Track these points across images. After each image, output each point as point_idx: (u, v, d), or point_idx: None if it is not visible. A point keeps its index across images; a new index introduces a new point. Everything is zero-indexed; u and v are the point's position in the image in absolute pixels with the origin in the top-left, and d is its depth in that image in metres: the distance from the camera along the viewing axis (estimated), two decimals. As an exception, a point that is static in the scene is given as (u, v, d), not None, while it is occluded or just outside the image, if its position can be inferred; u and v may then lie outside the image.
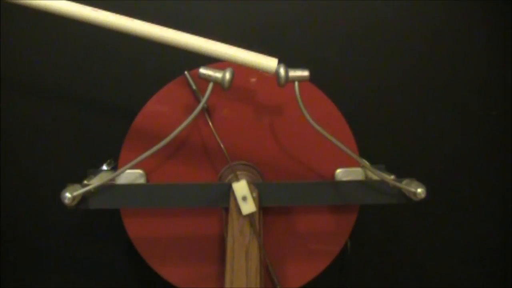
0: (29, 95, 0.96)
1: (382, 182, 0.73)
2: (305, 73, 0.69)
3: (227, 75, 0.69)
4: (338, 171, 0.80)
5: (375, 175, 0.72)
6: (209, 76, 0.69)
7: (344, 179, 0.79)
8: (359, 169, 0.80)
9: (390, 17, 0.98)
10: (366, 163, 0.75)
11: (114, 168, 0.85)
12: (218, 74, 0.69)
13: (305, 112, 0.68)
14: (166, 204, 0.73)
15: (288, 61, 0.70)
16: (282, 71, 0.68)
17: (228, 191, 0.70)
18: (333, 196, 0.74)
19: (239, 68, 0.73)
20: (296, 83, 0.69)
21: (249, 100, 0.79)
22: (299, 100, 0.69)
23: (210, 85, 0.69)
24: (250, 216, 0.70)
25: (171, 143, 0.70)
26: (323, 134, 0.68)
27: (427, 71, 1.00)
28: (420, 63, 1.00)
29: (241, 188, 0.69)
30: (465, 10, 0.99)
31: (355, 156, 0.71)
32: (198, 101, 0.76)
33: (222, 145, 0.77)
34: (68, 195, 0.67)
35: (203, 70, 0.70)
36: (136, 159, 0.69)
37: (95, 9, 0.68)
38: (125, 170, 0.71)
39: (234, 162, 0.79)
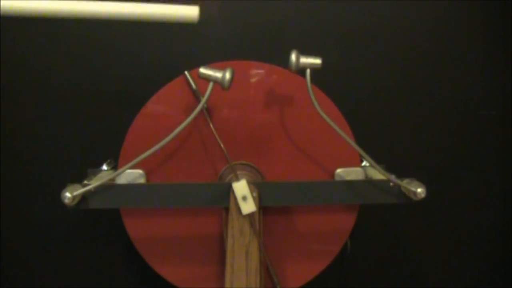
0: (29, 95, 0.96)
1: (382, 181, 0.73)
2: (317, 60, 0.69)
3: (227, 75, 0.69)
4: (338, 171, 0.80)
5: (378, 171, 0.72)
6: (209, 76, 0.69)
7: (344, 179, 0.79)
8: (359, 169, 0.80)
9: (390, 17, 0.98)
10: (369, 158, 0.75)
11: (114, 168, 0.85)
12: (218, 74, 0.69)
13: (314, 101, 0.68)
14: (166, 204, 0.73)
15: (287, 62, 0.71)
16: (293, 56, 0.68)
17: (228, 191, 0.70)
18: (333, 196, 0.74)
19: (239, 68, 0.73)
20: (308, 71, 0.69)
21: (249, 101, 0.79)
22: (309, 88, 0.69)
23: (210, 85, 0.70)
24: (250, 216, 0.70)
25: (171, 143, 0.70)
26: (329, 123, 0.69)
27: (427, 71, 1.00)
28: (420, 63, 1.00)
29: (241, 188, 0.69)
30: (465, 10, 0.99)
31: (358, 148, 0.71)
32: (198, 101, 0.76)
33: (222, 145, 0.77)
34: (68, 195, 0.67)
35: (203, 70, 0.70)
36: (136, 159, 0.69)
37: None
38: (125, 170, 0.71)
39: (234, 162, 0.79)
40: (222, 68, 0.69)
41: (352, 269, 1.04)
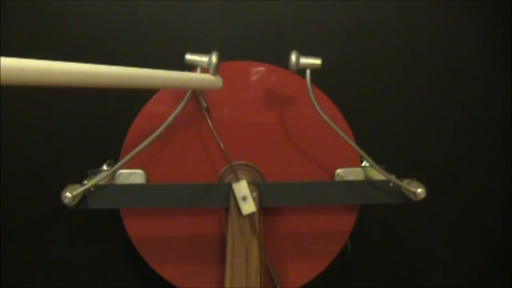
0: (29, 95, 0.96)
1: (382, 182, 0.73)
2: (317, 61, 0.69)
3: (213, 59, 0.68)
4: (338, 171, 0.80)
5: (378, 171, 0.72)
6: (195, 61, 0.69)
7: (344, 179, 0.79)
8: (359, 169, 0.80)
9: (390, 17, 0.98)
10: (369, 159, 0.75)
11: (114, 168, 0.85)
12: (204, 59, 0.68)
13: (314, 101, 0.68)
14: (166, 204, 0.73)
15: (286, 62, 0.71)
16: (293, 57, 0.69)
17: (228, 191, 0.70)
18: (333, 196, 0.74)
19: (239, 68, 0.73)
20: (308, 71, 0.69)
21: (249, 101, 0.79)
22: (309, 88, 0.69)
23: (198, 70, 0.69)
24: (250, 216, 0.70)
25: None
26: (329, 124, 0.69)
27: (426, 71, 1.00)
28: (420, 63, 1.00)
29: (241, 188, 0.69)
30: (465, 10, 0.99)
31: (359, 149, 0.71)
32: (198, 101, 0.76)
33: (222, 145, 0.77)
34: (68, 195, 0.67)
35: (189, 56, 0.69)
36: (132, 152, 0.69)
37: None
38: (123, 163, 0.70)
39: (234, 162, 0.79)
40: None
41: (352, 269, 1.04)
